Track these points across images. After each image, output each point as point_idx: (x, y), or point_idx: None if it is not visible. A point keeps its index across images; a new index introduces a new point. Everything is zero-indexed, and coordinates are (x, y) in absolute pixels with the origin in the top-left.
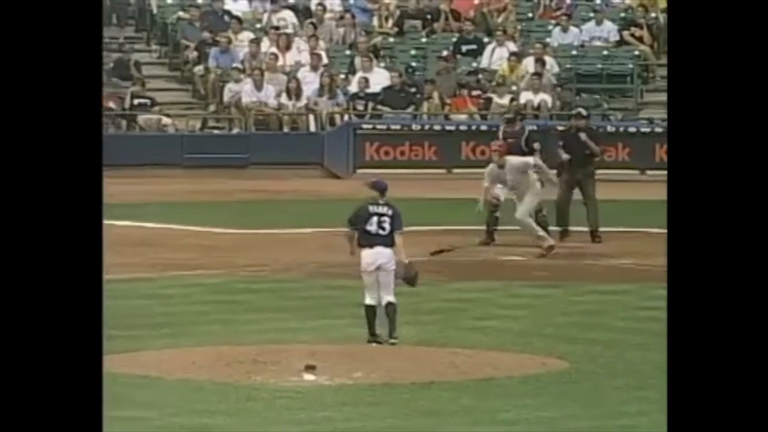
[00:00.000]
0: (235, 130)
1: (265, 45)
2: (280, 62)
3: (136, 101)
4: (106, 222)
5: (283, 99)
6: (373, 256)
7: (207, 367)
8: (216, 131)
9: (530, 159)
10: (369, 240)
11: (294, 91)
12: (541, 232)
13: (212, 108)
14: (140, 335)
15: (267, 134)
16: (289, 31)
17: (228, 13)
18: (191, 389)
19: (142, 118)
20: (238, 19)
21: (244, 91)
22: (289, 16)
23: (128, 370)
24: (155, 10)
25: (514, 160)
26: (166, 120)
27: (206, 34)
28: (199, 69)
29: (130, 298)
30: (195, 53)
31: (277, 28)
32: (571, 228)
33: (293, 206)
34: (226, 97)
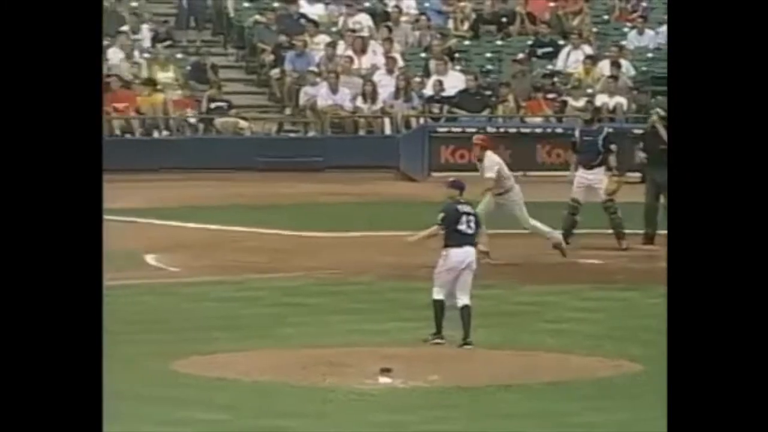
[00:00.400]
0: (311, 133)
1: (341, 48)
2: (355, 65)
3: (212, 104)
4: (181, 224)
5: (359, 102)
6: (463, 255)
7: (282, 370)
8: (291, 134)
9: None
10: (460, 239)
11: (369, 94)
12: (548, 230)
13: (288, 111)
14: (215, 337)
15: (342, 137)
16: (365, 34)
17: (304, 16)
18: (266, 392)
19: (218, 121)
20: (314, 23)
21: (320, 94)
22: (364, 19)
23: (203, 372)
24: (232, 14)
25: (492, 156)
26: (242, 123)
27: (282, 38)
28: (275, 72)
29: (205, 301)
30: (271, 56)
31: (353, 31)
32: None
33: (368, 209)
34: (302, 100)
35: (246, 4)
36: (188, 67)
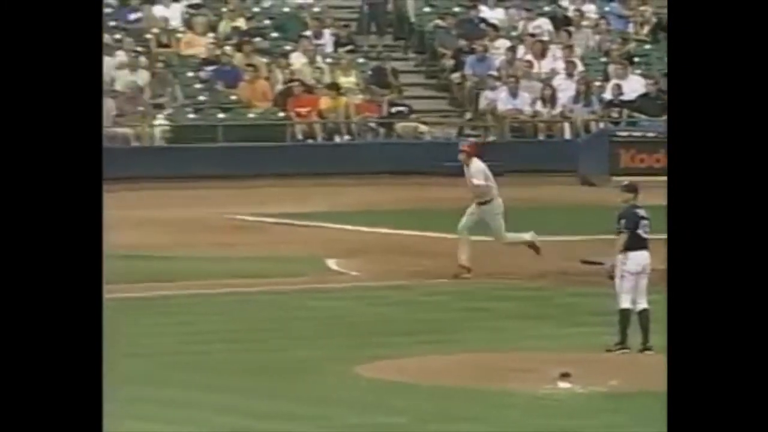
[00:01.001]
0: (491, 138)
1: (521, 52)
2: (535, 69)
3: (393, 109)
4: (362, 229)
5: (538, 106)
6: (640, 258)
7: (461, 374)
8: (471, 138)
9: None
10: (639, 243)
11: (549, 98)
12: (526, 237)
13: (468, 115)
14: (395, 342)
15: (522, 141)
16: (545, 38)
17: (484, 20)
18: (445, 396)
19: (399, 125)
20: (495, 27)
21: (500, 98)
22: (544, 23)
23: (382, 376)
24: (413, 19)
25: (477, 163)
26: (422, 127)
27: (463, 42)
28: (455, 76)
29: (386, 305)
30: (452, 61)
31: (532, 35)
32: None
33: (547, 214)
34: (482, 104)
35: (427, 9)
36: (369, 72)
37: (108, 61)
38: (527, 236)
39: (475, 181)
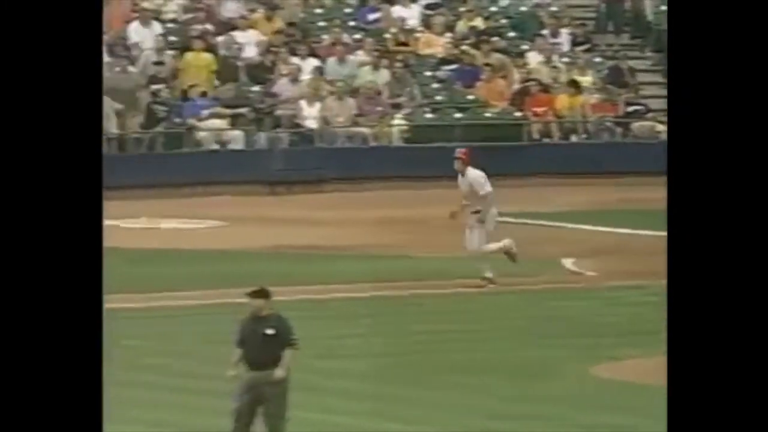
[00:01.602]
0: None
1: None
2: None
3: (630, 108)
4: (598, 229)
5: None
6: None
7: None
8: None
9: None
10: None
11: None
12: (500, 244)
13: None
14: (631, 342)
15: None
16: None
17: None
18: None
19: (635, 125)
20: None
21: None
22: None
23: (619, 376)
24: (650, 17)
25: (472, 172)
26: (659, 127)
27: None
28: None
29: (623, 306)
30: None
31: None
32: None
33: None
34: None
35: (664, 7)
36: (606, 71)
37: (352, 60)
38: (502, 243)
39: (484, 191)
